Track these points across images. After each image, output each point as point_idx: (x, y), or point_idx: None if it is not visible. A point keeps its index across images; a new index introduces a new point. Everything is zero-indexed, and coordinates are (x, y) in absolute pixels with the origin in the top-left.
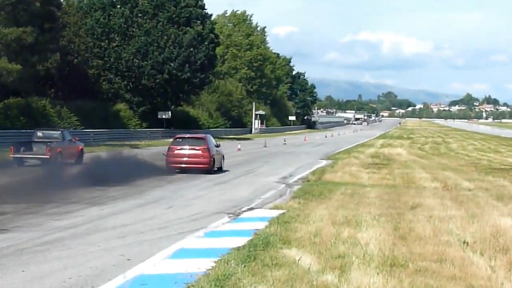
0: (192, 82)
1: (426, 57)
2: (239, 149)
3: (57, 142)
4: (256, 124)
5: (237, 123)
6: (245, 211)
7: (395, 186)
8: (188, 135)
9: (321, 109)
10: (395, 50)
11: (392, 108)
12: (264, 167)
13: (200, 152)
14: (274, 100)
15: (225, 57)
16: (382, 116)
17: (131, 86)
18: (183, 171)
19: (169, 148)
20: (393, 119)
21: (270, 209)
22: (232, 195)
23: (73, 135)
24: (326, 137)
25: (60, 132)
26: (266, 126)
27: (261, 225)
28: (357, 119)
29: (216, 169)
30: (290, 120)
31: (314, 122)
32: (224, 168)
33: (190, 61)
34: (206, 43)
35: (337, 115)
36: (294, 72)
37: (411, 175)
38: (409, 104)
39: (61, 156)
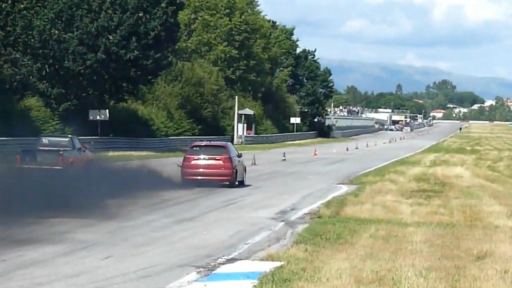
0: (141, 65)
1: (499, 28)
2: None
3: (68, 150)
4: (240, 129)
5: (211, 128)
6: (223, 263)
7: (453, 225)
8: (206, 143)
9: (340, 107)
10: (453, 17)
11: (449, 106)
12: (253, 196)
13: (220, 162)
14: (268, 93)
15: (193, 26)
16: (434, 118)
17: (47, 71)
18: (200, 184)
19: (184, 158)
20: (450, 123)
21: (261, 260)
22: (204, 239)
23: (82, 143)
24: (347, 149)
25: (69, 139)
26: (256, 133)
27: (247, 286)
28: (395, 122)
29: (237, 183)
30: (293, 124)
31: (329, 127)
32: (246, 183)
33: (138, 32)
34: (163, 4)
35: (364, 116)
36: (298, 51)
37: (477, 208)
38: (475, 99)
39: (72, 167)
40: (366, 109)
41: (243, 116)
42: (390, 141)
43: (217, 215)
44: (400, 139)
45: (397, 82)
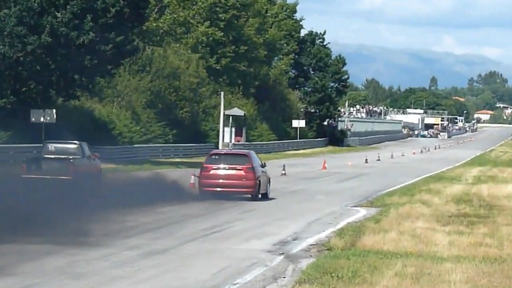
0: (98, 52)
1: None
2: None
3: (78, 158)
4: (227, 135)
5: (189, 134)
6: None
7: (503, 260)
8: (226, 151)
9: (358, 107)
10: None
11: (498, 105)
12: (244, 221)
13: (242, 172)
14: (264, 88)
15: (165, 1)
16: (478, 120)
17: None
18: (220, 196)
19: (202, 167)
20: (499, 127)
21: None
22: (180, 277)
23: (93, 151)
24: (366, 162)
25: (77, 145)
26: (247, 140)
27: None
28: (428, 126)
29: (260, 195)
30: (296, 128)
31: (343, 133)
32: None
33: (94, 9)
34: None
35: (388, 118)
36: (303, 33)
37: None
38: None
39: (83, 177)
40: (391, 109)
41: (230, 117)
42: (421, 151)
43: (197, 246)
44: (435, 148)
45: (431, 74)
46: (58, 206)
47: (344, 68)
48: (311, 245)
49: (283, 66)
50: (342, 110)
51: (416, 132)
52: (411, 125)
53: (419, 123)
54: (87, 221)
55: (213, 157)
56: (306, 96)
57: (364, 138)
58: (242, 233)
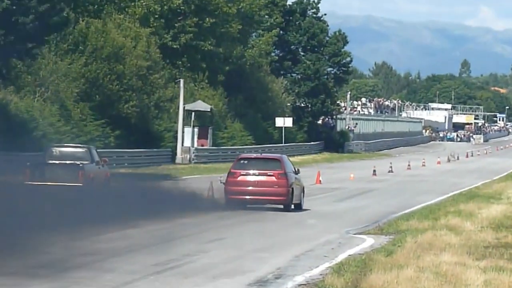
0: (14, 25)
1: None
2: None
3: (87, 164)
4: (188, 138)
5: (137, 135)
6: None
7: None
8: (256, 155)
9: (364, 100)
10: None
11: None
12: (210, 254)
13: (274, 179)
14: (238, 74)
15: None
16: None
17: None
18: (248, 204)
19: (229, 173)
20: None
21: None
22: None
23: (102, 156)
24: (374, 173)
25: (86, 149)
26: (214, 144)
27: None
28: (458, 126)
29: (293, 206)
30: (280, 129)
31: (344, 134)
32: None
33: None
34: None
35: (404, 115)
36: (290, 1)
37: None
38: None
39: (93, 184)
40: (408, 103)
41: (193, 114)
42: (449, 159)
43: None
44: (467, 155)
45: (463, 57)
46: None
47: (346, 49)
48: (299, 285)
49: (263, 45)
50: (343, 104)
51: (441, 135)
52: (434, 125)
53: (445, 122)
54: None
55: (242, 161)
56: (295, 85)
57: (371, 142)
58: (207, 270)
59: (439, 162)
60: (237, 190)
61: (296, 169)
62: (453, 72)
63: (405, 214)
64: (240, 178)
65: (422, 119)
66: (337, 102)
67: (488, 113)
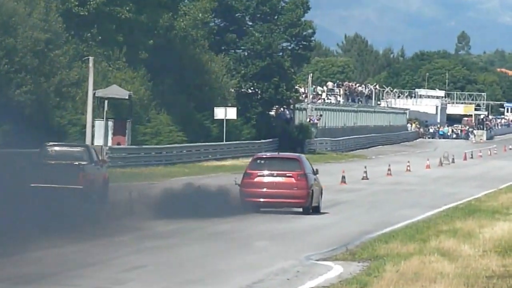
0: None
1: None
2: None
3: (86, 165)
4: (99, 134)
5: (32, 130)
6: None
7: None
8: (272, 155)
9: (331, 85)
10: None
11: None
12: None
13: (293, 180)
14: (165, 51)
15: None
16: None
17: None
18: (266, 207)
19: (245, 173)
20: None
21: None
22: None
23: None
24: (344, 181)
25: (85, 148)
26: (134, 143)
27: None
28: (454, 120)
29: (311, 209)
30: (220, 122)
31: (305, 129)
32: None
33: None
34: None
35: (384, 104)
36: None
37: None
38: None
39: (92, 186)
40: (389, 89)
41: (106, 103)
42: (441, 162)
43: None
44: (465, 157)
45: (460, 29)
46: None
47: (307, 17)
48: None
49: (198, 12)
50: (303, 90)
51: (432, 130)
52: (423, 118)
53: (437, 113)
54: None
55: (258, 161)
56: (240, 65)
57: (340, 139)
58: None
59: (428, 166)
60: (253, 193)
61: (315, 170)
62: (447, 48)
63: (384, 234)
64: (256, 179)
65: (407, 109)
66: (296, 87)
67: (493, 102)
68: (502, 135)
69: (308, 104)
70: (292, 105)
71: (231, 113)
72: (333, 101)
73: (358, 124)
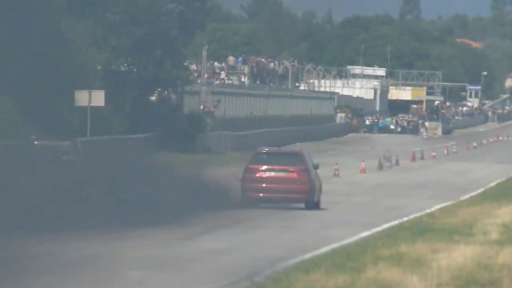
0: None
1: None
2: None
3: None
4: None
5: None
6: None
7: None
8: (275, 150)
9: (233, 60)
10: None
11: None
12: None
13: (295, 175)
14: (6, 10)
15: None
16: None
17: None
18: (266, 202)
19: (247, 168)
20: None
21: None
22: None
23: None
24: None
25: (72, 142)
26: None
27: None
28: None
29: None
30: (83, 110)
31: (198, 120)
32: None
33: None
34: None
35: (304, 87)
36: None
37: None
38: None
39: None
40: (311, 66)
41: None
42: (381, 165)
43: None
44: (414, 158)
45: None
46: None
47: None
48: None
49: None
50: (195, 67)
51: (368, 121)
52: (357, 105)
53: (375, 99)
54: None
55: (260, 156)
56: (110, 34)
57: (245, 134)
58: None
59: (363, 170)
60: (255, 188)
61: (316, 164)
62: (390, 12)
63: (303, 262)
64: (258, 174)
65: (335, 94)
66: (185, 63)
67: (451, 84)
68: (464, 128)
69: (202, 86)
70: (180, 88)
71: (98, 98)
72: (235, 82)
73: (269, 113)
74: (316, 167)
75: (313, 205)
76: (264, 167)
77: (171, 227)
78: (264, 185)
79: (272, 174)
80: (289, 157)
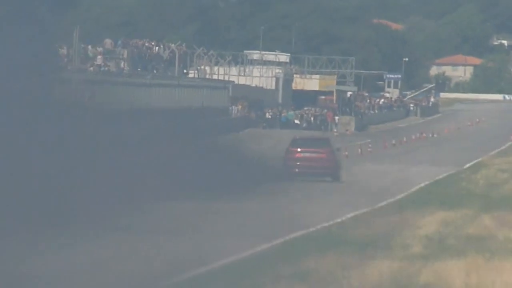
0: None
1: None
2: None
3: None
4: None
5: None
6: None
7: None
8: (308, 135)
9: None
10: None
11: (497, 42)
12: None
13: (324, 155)
14: None
15: None
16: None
17: None
18: (302, 175)
19: (287, 150)
20: (499, 101)
21: None
22: None
23: None
24: None
25: None
26: None
27: None
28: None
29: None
30: None
31: None
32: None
33: None
34: None
35: (194, 74)
36: None
37: None
38: None
39: None
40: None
41: None
42: None
43: None
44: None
45: None
46: None
47: None
48: None
49: None
50: (65, 52)
51: (269, 115)
52: (255, 95)
53: (278, 89)
54: None
55: (296, 141)
56: None
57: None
58: None
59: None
60: (294, 165)
61: (337, 148)
62: None
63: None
64: (296, 155)
65: (229, 82)
66: (54, 45)
67: (366, 72)
68: (381, 123)
69: (73, 73)
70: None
71: None
72: (113, 69)
73: (151, 104)
74: (338, 149)
75: (337, 178)
76: (299, 149)
77: None
78: (299, 163)
79: (307, 154)
80: (318, 141)
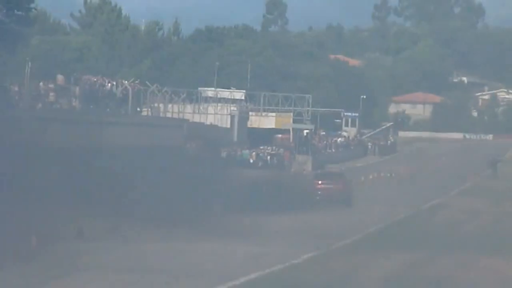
0: None
1: None
2: None
3: None
4: None
5: None
6: None
7: None
8: (327, 171)
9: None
10: None
11: (456, 79)
12: None
13: (341, 186)
14: None
15: None
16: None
17: None
18: (324, 201)
19: (311, 182)
20: (460, 139)
21: None
22: None
23: None
24: None
25: None
26: None
27: None
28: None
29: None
30: None
31: None
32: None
33: None
34: None
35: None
36: None
37: None
38: None
39: None
40: (156, 87)
41: None
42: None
43: None
44: None
45: None
46: None
47: None
48: None
49: None
50: (17, 89)
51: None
52: (211, 133)
53: (233, 127)
54: None
55: (318, 175)
56: None
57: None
58: None
59: None
60: (317, 194)
61: (349, 180)
62: (250, 22)
63: None
64: (318, 186)
65: (184, 120)
66: (3, 85)
67: (323, 110)
68: (338, 162)
69: (24, 111)
70: None
71: None
72: (65, 106)
73: (105, 144)
74: (350, 181)
75: (350, 202)
76: (320, 182)
77: None
78: (321, 192)
79: (327, 186)
80: (335, 175)
